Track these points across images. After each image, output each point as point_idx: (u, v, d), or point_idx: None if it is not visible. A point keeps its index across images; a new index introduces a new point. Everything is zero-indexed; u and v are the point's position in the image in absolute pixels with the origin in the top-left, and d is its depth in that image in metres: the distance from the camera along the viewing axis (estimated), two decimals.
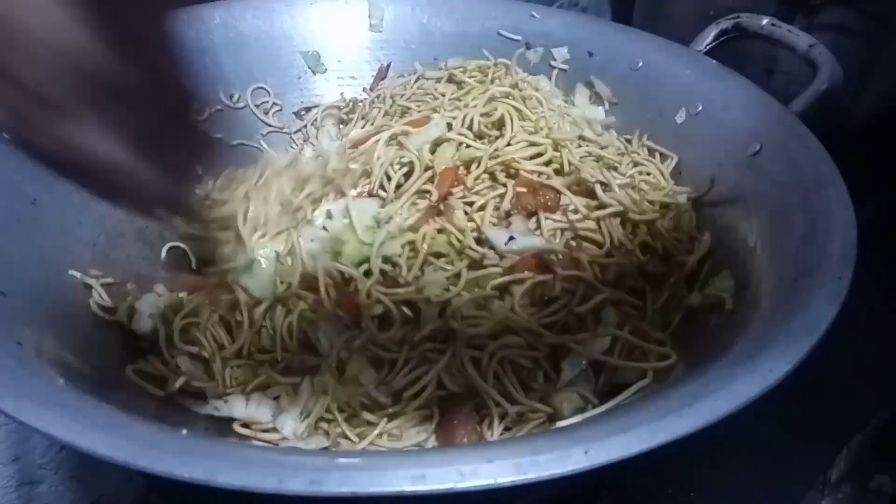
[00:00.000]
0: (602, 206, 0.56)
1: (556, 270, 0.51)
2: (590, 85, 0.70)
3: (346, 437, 0.48)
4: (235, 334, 0.53)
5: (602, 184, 0.57)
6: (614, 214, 0.56)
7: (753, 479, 0.58)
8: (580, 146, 0.61)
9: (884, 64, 0.81)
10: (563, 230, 0.55)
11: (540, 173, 0.58)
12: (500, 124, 0.61)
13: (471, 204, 0.56)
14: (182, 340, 0.53)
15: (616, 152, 0.62)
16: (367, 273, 0.53)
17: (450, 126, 0.61)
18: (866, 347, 0.64)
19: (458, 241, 0.54)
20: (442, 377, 0.48)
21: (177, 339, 0.53)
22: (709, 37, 0.67)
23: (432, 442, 0.48)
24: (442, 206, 0.56)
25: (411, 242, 0.54)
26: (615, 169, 0.60)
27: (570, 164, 0.58)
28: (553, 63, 0.72)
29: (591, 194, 0.57)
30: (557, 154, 0.59)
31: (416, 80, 0.70)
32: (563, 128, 0.63)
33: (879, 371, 0.66)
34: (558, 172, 0.59)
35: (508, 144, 0.59)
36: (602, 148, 0.62)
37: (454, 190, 0.57)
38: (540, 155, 0.59)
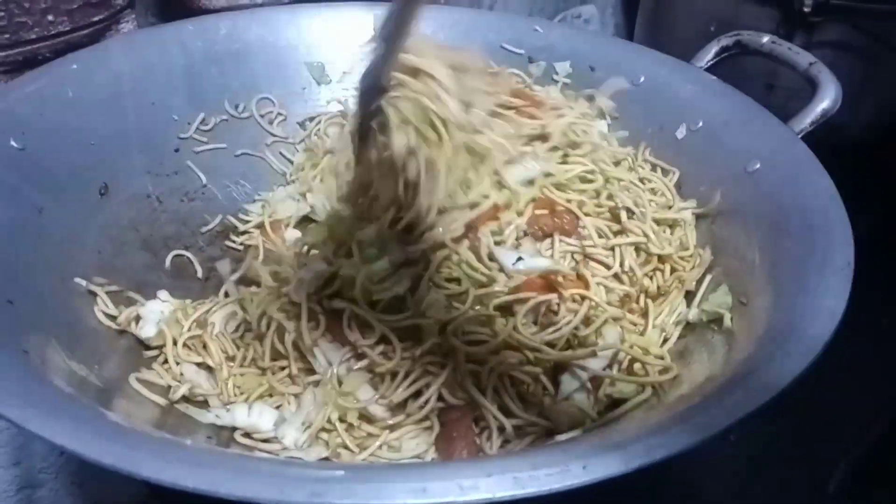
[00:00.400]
0: (623, 231, 0.56)
1: (561, 291, 0.51)
2: (591, 99, 0.70)
3: (346, 447, 0.48)
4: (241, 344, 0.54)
5: (629, 210, 0.56)
6: (632, 244, 0.55)
7: (752, 491, 0.58)
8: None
9: (882, 78, 0.82)
10: (573, 253, 0.54)
11: (569, 199, 0.56)
12: (573, 143, 0.60)
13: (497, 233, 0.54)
14: (188, 348, 0.53)
15: (627, 168, 0.63)
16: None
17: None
18: (865, 357, 0.64)
19: (471, 267, 0.52)
20: (441, 391, 0.48)
21: (181, 348, 0.53)
22: (710, 53, 0.68)
23: (432, 454, 0.48)
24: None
25: (418, 276, 0.51)
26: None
27: (609, 195, 0.57)
28: (555, 77, 0.72)
29: (615, 217, 0.57)
30: (604, 187, 0.58)
31: None
32: (607, 148, 0.62)
33: (878, 381, 0.66)
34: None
35: (563, 162, 0.58)
36: (617, 164, 0.61)
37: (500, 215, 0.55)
38: (588, 181, 0.58)
